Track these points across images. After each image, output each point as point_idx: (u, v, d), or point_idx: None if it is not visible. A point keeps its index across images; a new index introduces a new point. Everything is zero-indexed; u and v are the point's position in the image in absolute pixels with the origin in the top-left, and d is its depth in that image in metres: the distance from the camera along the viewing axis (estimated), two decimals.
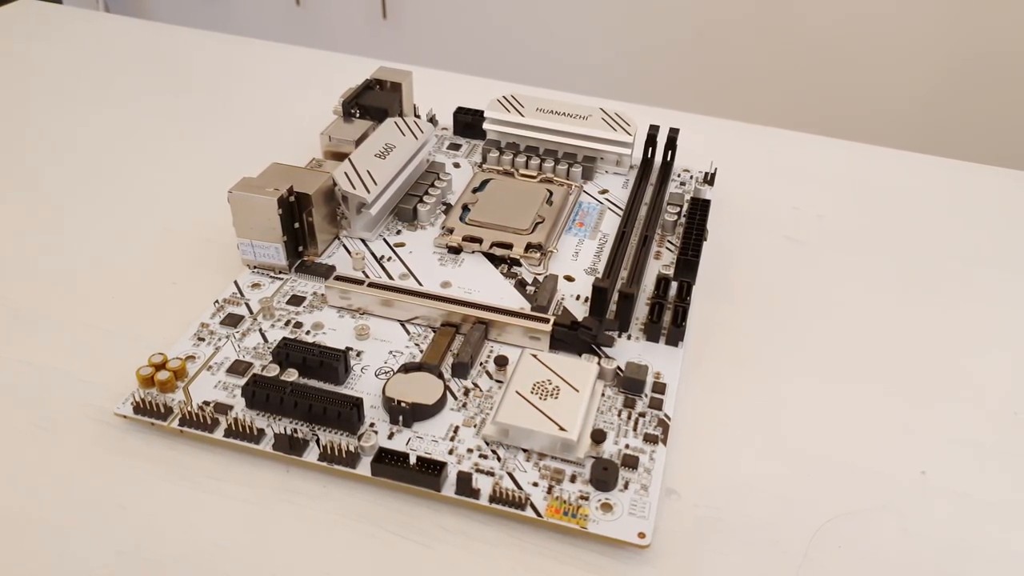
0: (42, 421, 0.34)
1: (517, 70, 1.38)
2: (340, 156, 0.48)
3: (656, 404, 0.34)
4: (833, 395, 0.37)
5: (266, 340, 0.37)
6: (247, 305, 0.39)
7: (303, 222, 0.41)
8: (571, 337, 0.37)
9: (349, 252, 0.43)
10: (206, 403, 0.33)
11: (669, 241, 0.45)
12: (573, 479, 0.31)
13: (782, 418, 0.36)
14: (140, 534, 0.30)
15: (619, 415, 0.34)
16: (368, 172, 0.43)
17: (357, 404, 0.32)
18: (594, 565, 0.29)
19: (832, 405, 0.36)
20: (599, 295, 0.38)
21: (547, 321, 0.37)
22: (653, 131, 0.50)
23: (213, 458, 0.33)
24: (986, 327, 0.42)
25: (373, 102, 0.50)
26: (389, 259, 0.43)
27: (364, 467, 0.31)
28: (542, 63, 1.38)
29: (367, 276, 0.40)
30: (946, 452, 0.34)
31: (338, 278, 0.39)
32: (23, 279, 0.42)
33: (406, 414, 0.33)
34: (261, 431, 0.32)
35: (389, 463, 0.31)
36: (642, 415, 0.34)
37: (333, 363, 0.34)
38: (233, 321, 0.38)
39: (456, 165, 0.51)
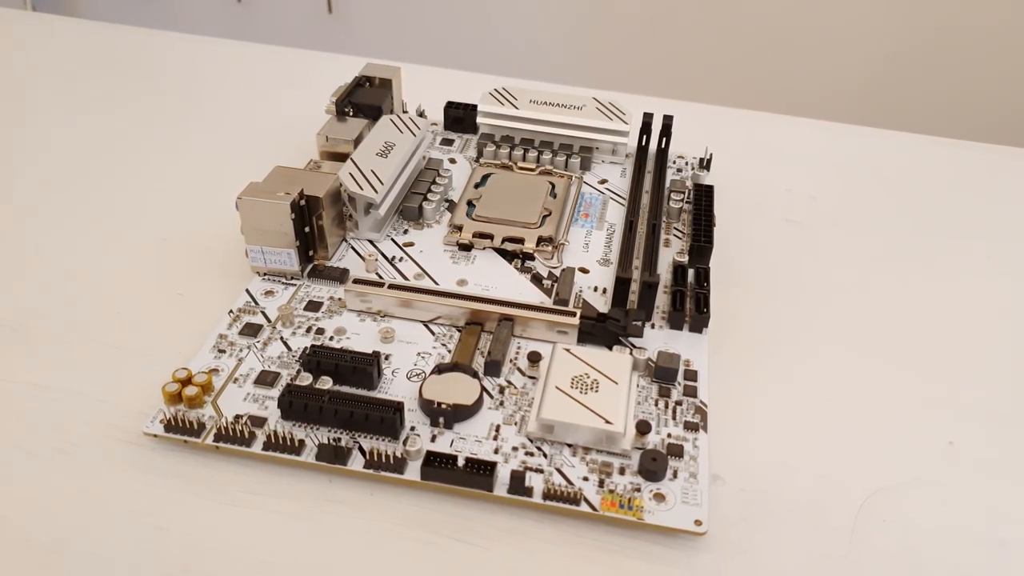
0: (65, 446, 0.32)
1: (469, 59, 1.37)
2: (337, 156, 0.47)
3: (690, 392, 0.35)
4: (852, 372, 0.38)
5: (289, 348, 0.36)
6: (263, 313, 0.38)
7: (313, 225, 0.40)
8: (599, 329, 0.37)
9: (359, 254, 0.42)
10: (238, 416, 0.33)
11: (676, 228, 0.45)
12: (622, 471, 0.31)
13: (808, 398, 0.36)
14: (186, 556, 0.29)
15: (656, 404, 0.34)
16: (373, 171, 0.43)
17: (399, 408, 0.32)
18: (654, 555, 0.29)
19: (853, 382, 0.37)
20: (622, 286, 0.38)
21: (574, 314, 0.37)
22: (648, 119, 0.51)
23: (250, 472, 0.32)
24: (984, 297, 0.43)
25: (366, 99, 0.50)
26: (401, 259, 0.42)
27: (412, 472, 0.31)
28: (494, 51, 1.37)
29: (380, 277, 0.40)
30: (968, 421, 0.36)
31: (357, 281, 0.38)
32: (16, 297, 0.40)
33: (447, 415, 0.32)
34: (301, 442, 0.31)
35: (438, 466, 0.30)
36: (679, 403, 0.34)
37: (367, 368, 0.34)
38: (252, 331, 0.37)
39: (452, 161, 0.51)
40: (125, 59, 0.65)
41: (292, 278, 0.40)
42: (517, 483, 0.30)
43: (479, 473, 0.30)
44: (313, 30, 1.49)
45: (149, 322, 0.39)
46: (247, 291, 0.39)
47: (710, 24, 1.25)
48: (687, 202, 0.47)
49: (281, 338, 0.37)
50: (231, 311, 0.38)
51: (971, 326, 0.41)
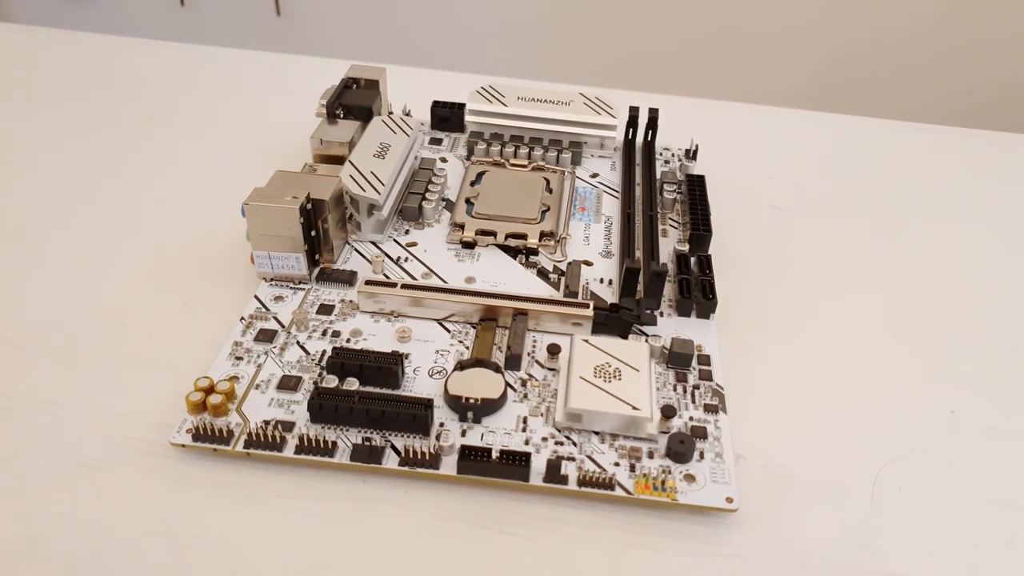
0: (89, 461, 0.32)
1: (426, 58, 1.37)
2: (332, 159, 0.47)
3: (706, 376, 0.36)
4: (852, 349, 0.39)
5: (307, 352, 0.36)
6: (276, 319, 0.38)
7: (319, 229, 0.40)
8: (613, 320, 0.37)
9: (363, 256, 0.42)
10: (266, 422, 0.32)
11: (671, 219, 0.47)
12: (651, 455, 0.32)
13: (813, 376, 0.38)
14: (231, 564, 0.29)
15: (674, 389, 0.35)
16: (372, 173, 0.43)
17: (429, 405, 0.32)
18: (688, 533, 0.30)
19: (854, 358, 0.39)
20: (631, 277, 0.38)
21: (587, 306, 0.38)
22: (634, 112, 0.52)
23: (282, 477, 0.32)
24: (966, 272, 0.45)
25: (355, 101, 0.49)
26: (406, 260, 0.42)
27: (447, 467, 0.31)
28: (443, 48, 1.37)
29: (388, 278, 0.40)
30: (965, 390, 0.37)
31: (369, 282, 0.38)
32: (16, 316, 0.39)
33: (476, 410, 0.33)
34: (334, 444, 0.31)
35: (474, 459, 0.31)
36: (696, 387, 0.35)
37: (392, 367, 0.34)
38: (267, 336, 0.37)
39: (443, 160, 0.51)
40: (84, 67, 0.64)
41: (300, 282, 0.40)
42: (553, 472, 0.31)
43: (515, 464, 0.31)
44: (261, 33, 1.47)
45: (157, 333, 0.38)
46: (256, 297, 0.39)
47: (685, 19, 1.26)
48: (679, 192, 0.48)
49: (297, 342, 0.37)
50: (243, 318, 0.38)
51: (957, 300, 0.43)
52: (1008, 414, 0.36)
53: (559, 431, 0.33)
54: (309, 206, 0.39)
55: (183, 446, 0.32)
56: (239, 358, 0.36)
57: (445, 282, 0.41)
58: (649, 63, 1.30)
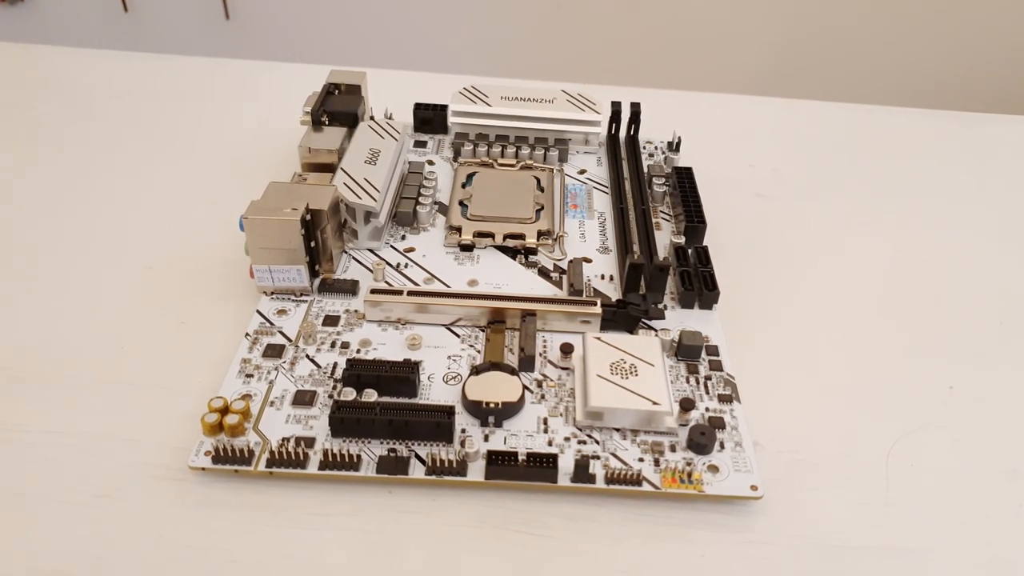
0: (106, 491, 0.31)
1: (380, 57, 1.36)
2: (321, 167, 0.46)
3: (716, 366, 0.36)
4: (849, 331, 0.41)
5: (318, 365, 0.36)
6: (281, 333, 0.37)
7: (318, 239, 0.40)
8: (622, 316, 0.38)
9: (362, 264, 0.42)
10: (285, 439, 0.32)
11: (662, 211, 0.47)
12: (673, 448, 0.33)
13: (816, 359, 0.39)
14: None
15: (687, 381, 0.36)
16: (366, 180, 0.42)
17: (451, 412, 0.32)
18: (715, 523, 0.31)
19: (852, 340, 0.40)
20: (635, 272, 0.39)
21: (594, 303, 0.38)
22: (617, 107, 0.52)
23: (306, 494, 0.31)
24: (948, 250, 0.47)
25: (339, 107, 0.49)
26: (406, 266, 0.42)
27: (475, 473, 0.31)
28: (400, 47, 1.36)
29: (390, 285, 0.40)
30: (960, 365, 0.39)
31: (375, 291, 0.38)
32: (11, 345, 0.38)
33: (497, 414, 0.33)
34: (358, 457, 0.31)
35: (501, 464, 0.31)
36: (708, 378, 0.36)
37: (409, 375, 0.34)
38: (276, 352, 0.36)
39: (430, 162, 0.51)
40: (36, 81, 0.61)
41: (301, 295, 0.40)
42: (581, 471, 0.31)
43: (542, 466, 0.31)
44: (210, 37, 1.44)
45: (158, 355, 0.37)
46: (259, 312, 0.39)
47: (651, 13, 1.27)
48: (667, 185, 0.48)
49: (307, 356, 0.36)
50: (248, 334, 0.37)
51: (943, 276, 0.45)
52: (1003, 385, 0.38)
53: (580, 430, 0.33)
54: (308, 217, 0.38)
55: (203, 469, 0.31)
56: (249, 375, 0.35)
57: (448, 286, 0.41)
58: (619, 57, 1.31)
